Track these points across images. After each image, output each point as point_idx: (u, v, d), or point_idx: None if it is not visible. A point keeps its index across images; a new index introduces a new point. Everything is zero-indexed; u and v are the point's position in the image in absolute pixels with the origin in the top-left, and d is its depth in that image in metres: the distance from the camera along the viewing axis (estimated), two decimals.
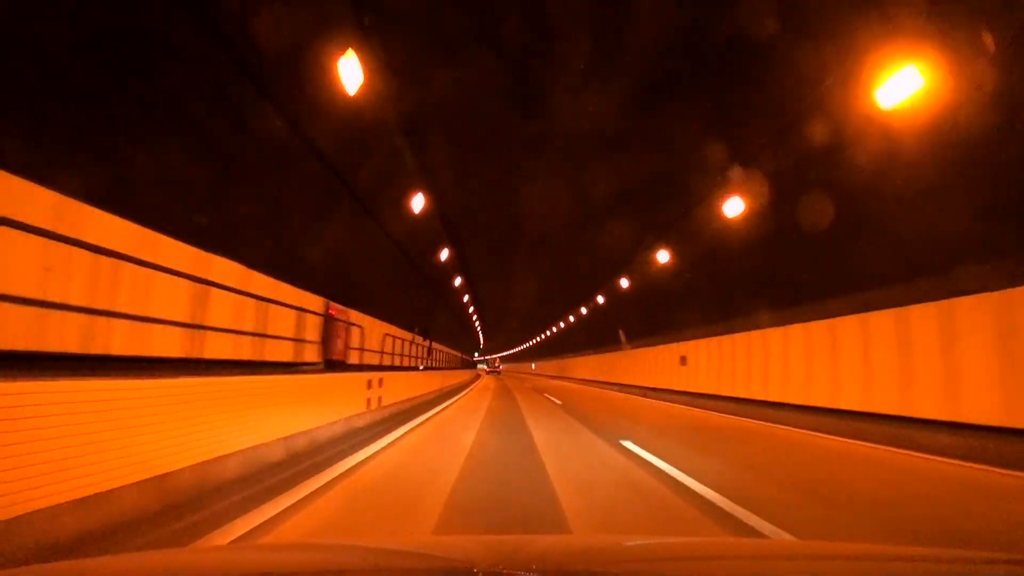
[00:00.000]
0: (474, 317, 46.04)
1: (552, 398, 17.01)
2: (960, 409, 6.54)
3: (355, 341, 11.61)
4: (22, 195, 4.11)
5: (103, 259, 4.48)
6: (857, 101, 6.28)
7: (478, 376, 47.06)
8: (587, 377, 32.85)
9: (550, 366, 53.50)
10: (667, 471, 4.96)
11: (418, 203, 12.76)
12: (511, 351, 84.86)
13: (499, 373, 67.12)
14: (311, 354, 9.62)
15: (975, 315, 6.49)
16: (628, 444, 6.51)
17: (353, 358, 11.41)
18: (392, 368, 14.17)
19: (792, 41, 6.33)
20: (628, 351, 23.36)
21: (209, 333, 6.31)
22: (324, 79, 6.97)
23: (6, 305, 3.53)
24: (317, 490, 4.03)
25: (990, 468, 5.32)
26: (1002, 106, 5.15)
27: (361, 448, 5.78)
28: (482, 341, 68.66)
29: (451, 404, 13.41)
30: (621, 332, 23.33)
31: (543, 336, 51.25)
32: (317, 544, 2.42)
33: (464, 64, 8.46)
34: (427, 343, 21.90)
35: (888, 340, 7.85)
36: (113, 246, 4.12)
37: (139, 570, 1.36)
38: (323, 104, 7.30)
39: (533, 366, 66.80)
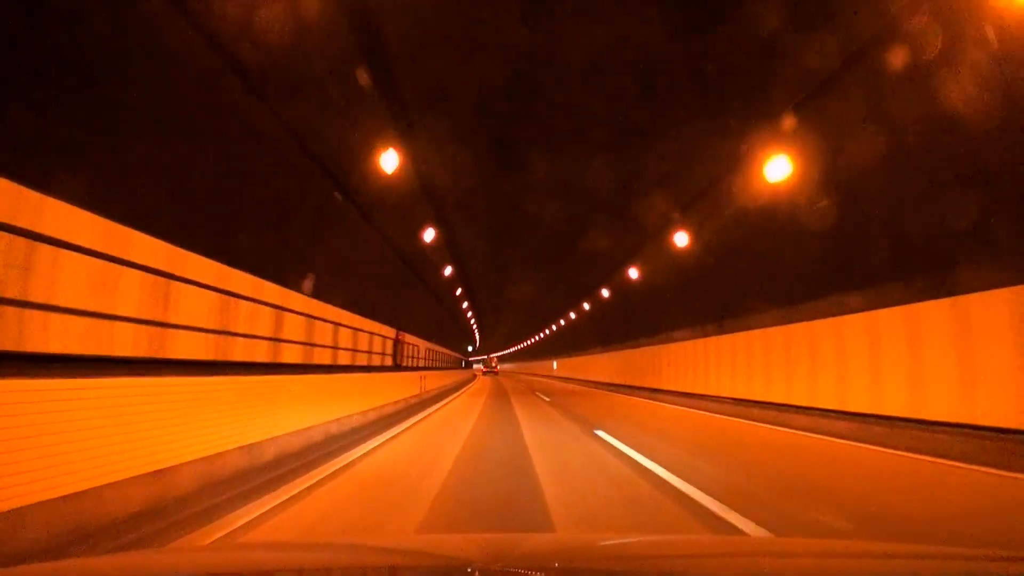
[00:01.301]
0: (469, 315, 40.38)
1: None
2: None
3: None
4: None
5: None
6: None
7: (473, 377, 41.38)
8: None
9: (602, 366, 26.86)
10: None
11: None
12: (517, 347, 68.04)
13: (496, 374, 61.55)
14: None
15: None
16: None
17: None
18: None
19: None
20: None
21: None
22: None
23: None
24: None
25: None
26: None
27: None
28: (478, 339, 63.98)
29: None
30: None
31: (568, 319, 31.58)
32: (306, 543, 2.40)
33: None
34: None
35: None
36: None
37: (120, 570, 1.36)
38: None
39: (554, 365, 43.45)
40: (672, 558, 1.55)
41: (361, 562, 1.48)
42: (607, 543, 1.90)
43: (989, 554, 1.50)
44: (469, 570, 1.37)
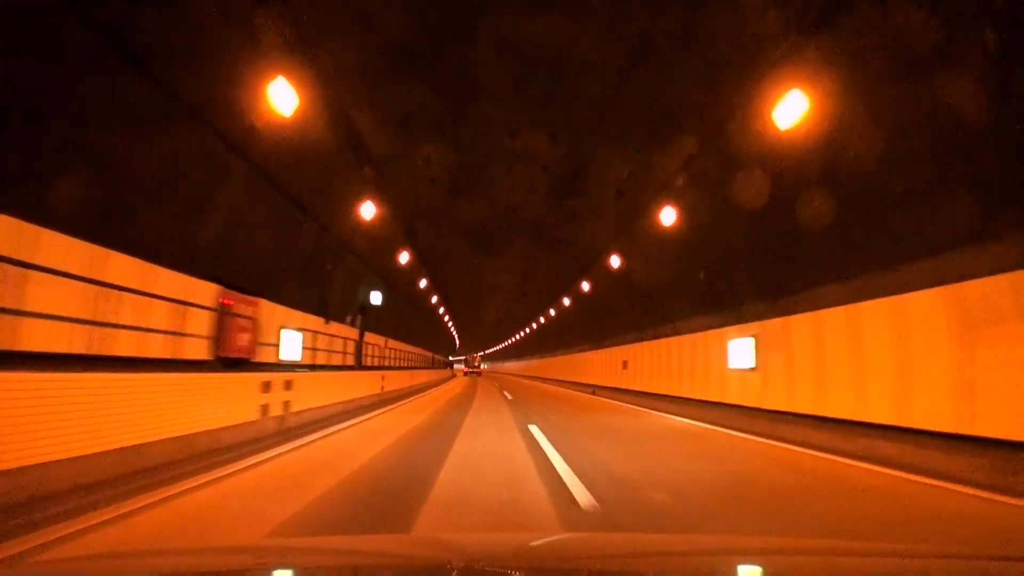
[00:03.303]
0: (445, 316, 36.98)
1: None
2: None
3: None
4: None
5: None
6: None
7: (451, 376, 40.35)
8: None
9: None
10: None
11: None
12: (512, 340, 55.67)
13: (479, 374, 57.05)
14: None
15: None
16: None
17: None
18: None
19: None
20: None
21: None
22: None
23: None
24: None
25: None
26: None
27: None
28: (458, 341, 60.40)
29: None
30: None
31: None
32: (308, 547, 2.29)
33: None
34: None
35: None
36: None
37: (118, 570, 1.40)
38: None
39: (623, 363, 18.50)
40: (659, 556, 1.54)
41: (348, 564, 1.49)
42: (599, 541, 1.93)
43: (990, 555, 1.55)
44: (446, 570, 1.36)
